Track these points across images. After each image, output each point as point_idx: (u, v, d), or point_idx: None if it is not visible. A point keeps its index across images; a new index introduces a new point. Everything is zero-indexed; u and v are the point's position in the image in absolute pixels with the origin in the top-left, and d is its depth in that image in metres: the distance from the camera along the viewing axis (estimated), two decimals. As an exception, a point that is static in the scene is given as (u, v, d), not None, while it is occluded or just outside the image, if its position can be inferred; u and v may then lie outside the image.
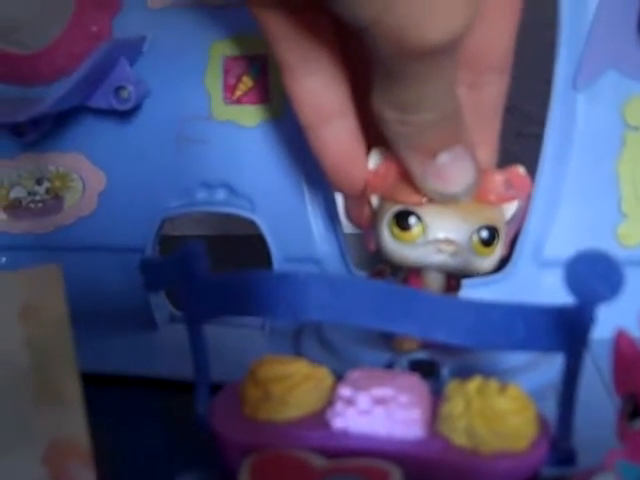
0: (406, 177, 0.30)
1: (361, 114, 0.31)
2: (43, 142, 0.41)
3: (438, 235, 0.30)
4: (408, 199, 0.30)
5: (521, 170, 0.31)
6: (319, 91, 0.31)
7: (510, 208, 0.31)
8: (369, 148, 0.32)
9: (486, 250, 0.30)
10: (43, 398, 0.22)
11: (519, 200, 0.31)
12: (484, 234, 0.30)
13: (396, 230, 0.30)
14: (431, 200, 0.30)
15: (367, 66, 0.28)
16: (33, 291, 0.22)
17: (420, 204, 0.30)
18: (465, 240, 0.30)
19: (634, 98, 0.36)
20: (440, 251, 0.30)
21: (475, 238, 0.30)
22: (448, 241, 0.30)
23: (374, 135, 0.31)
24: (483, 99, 0.31)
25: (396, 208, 0.30)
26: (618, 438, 0.21)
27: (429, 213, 0.30)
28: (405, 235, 0.30)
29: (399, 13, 0.24)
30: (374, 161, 0.31)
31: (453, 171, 0.29)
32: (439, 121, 0.28)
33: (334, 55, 0.30)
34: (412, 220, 0.30)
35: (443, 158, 0.29)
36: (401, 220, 0.30)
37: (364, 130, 0.32)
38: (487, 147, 0.32)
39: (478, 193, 0.30)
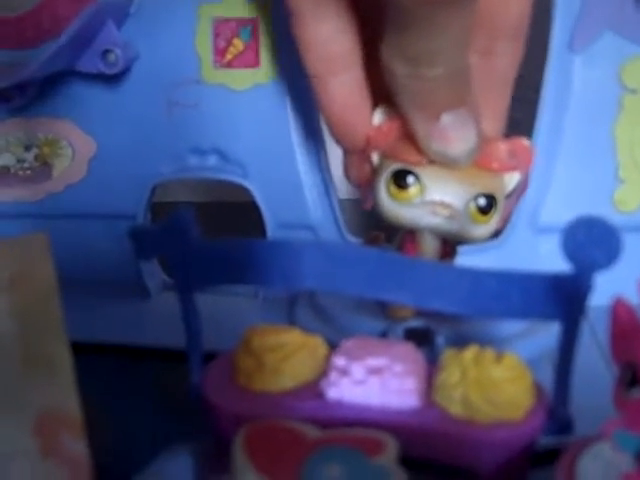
0: (409, 136, 0.30)
1: (369, 70, 0.31)
2: (31, 108, 0.40)
3: (435, 197, 0.29)
4: (409, 158, 0.30)
5: (526, 141, 0.30)
6: (328, 39, 0.30)
7: (512, 180, 0.31)
8: (375, 105, 0.31)
9: (482, 218, 0.30)
10: (32, 368, 0.22)
11: (520, 171, 0.31)
12: (482, 202, 0.30)
13: (393, 188, 0.30)
14: (432, 162, 0.29)
15: (379, 18, 0.27)
16: (21, 260, 0.22)
17: (420, 164, 0.29)
18: (462, 205, 0.29)
19: (632, 60, 0.36)
20: (435, 213, 0.29)
21: (472, 205, 0.29)
22: (444, 204, 0.29)
23: (380, 92, 0.30)
24: (495, 67, 0.30)
25: (395, 166, 0.30)
26: (615, 407, 0.21)
27: (428, 174, 0.29)
28: (402, 194, 0.30)
29: None
30: (378, 118, 0.31)
31: (456, 133, 0.29)
32: (448, 78, 0.27)
33: (345, 4, 0.29)
34: (410, 179, 0.30)
35: (447, 119, 0.28)
36: (399, 178, 0.30)
37: (373, 86, 0.31)
38: (495, 116, 0.31)
39: (481, 159, 0.30)
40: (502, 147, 0.30)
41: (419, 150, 0.30)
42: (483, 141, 0.29)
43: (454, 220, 0.30)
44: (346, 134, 0.32)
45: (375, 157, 0.31)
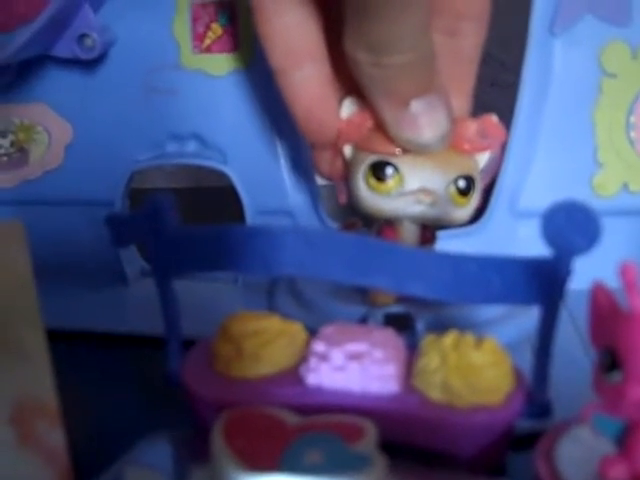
0: (382, 126, 0.30)
1: (336, 62, 0.31)
2: (6, 93, 0.40)
3: (415, 185, 0.29)
4: (385, 149, 0.29)
5: (494, 119, 0.30)
6: (290, 32, 0.30)
7: (482, 158, 0.31)
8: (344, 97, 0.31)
9: (463, 200, 0.30)
10: (7, 357, 0.22)
11: (492, 149, 0.31)
12: (461, 184, 0.29)
13: (372, 181, 0.30)
14: (407, 150, 0.29)
15: (341, 9, 0.27)
16: (-5, 248, 0.21)
17: (397, 153, 0.29)
18: (442, 190, 0.29)
19: (611, 44, 0.36)
20: (419, 202, 0.29)
21: (452, 188, 0.29)
22: (426, 191, 0.29)
23: (349, 85, 0.30)
24: (460, 47, 0.30)
25: (372, 158, 0.30)
26: (594, 391, 0.21)
27: (406, 163, 0.29)
28: (381, 186, 0.29)
29: None
30: (347, 110, 0.31)
31: (426, 120, 0.29)
32: (412, 64, 0.27)
33: None
34: (389, 171, 0.29)
35: (416, 106, 0.28)
36: (377, 171, 0.29)
37: (339, 79, 0.31)
38: (462, 96, 0.31)
39: (452, 141, 0.30)
40: (472, 126, 0.30)
41: (390, 141, 0.29)
42: (453, 123, 0.29)
43: (436, 206, 0.30)
44: (314, 129, 0.31)
45: (348, 150, 0.31)
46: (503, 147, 0.32)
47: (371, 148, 0.30)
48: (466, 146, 0.30)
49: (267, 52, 0.30)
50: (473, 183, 0.30)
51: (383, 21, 0.26)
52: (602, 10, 0.36)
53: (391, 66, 0.27)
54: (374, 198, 0.30)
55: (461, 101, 0.31)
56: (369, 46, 0.27)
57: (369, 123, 0.30)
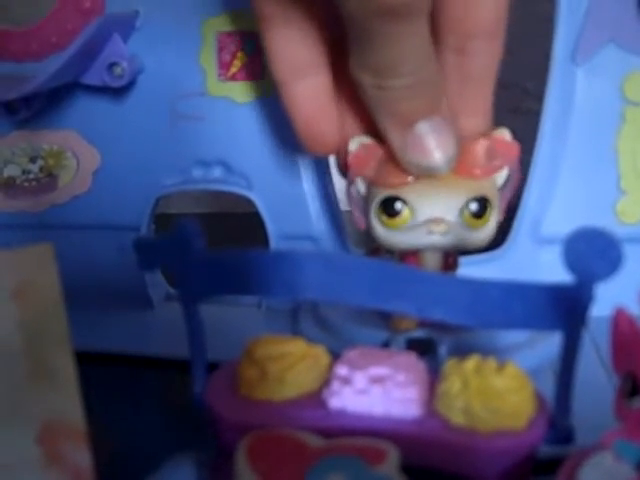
0: (387, 160, 0.30)
1: (338, 75, 0.31)
2: (36, 120, 0.41)
3: (426, 215, 0.29)
4: (392, 180, 0.30)
5: (505, 135, 0.30)
6: (294, 45, 0.30)
7: (500, 175, 0.31)
8: (346, 114, 0.32)
9: (479, 222, 0.30)
10: (36, 378, 0.22)
11: (506, 167, 0.31)
12: (473, 207, 0.29)
13: (384, 218, 0.30)
14: (417, 178, 0.29)
15: (344, 28, 0.27)
16: (25, 270, 0.22)
17: (403, 184, 0.29)
18: (455, 216, 0.29)
19: (634, 73, 0.36)
20: (431, 232, 0.29)
21: (466, 212, 0.29)
22: (437, 220, 0.29)
23: (351, 98, 0.31)
24: (471, 66, 0.30)
25: (381, 195, 0.30)
26: (616, 417, 0.21)
27: (414, 195, 0.29)
28: (394, 221, 0.30)
29: None
30: (355, 144, 0.31)
31: (432, 142, 0.29)
32: (415, 87, 0.27)
33: (311, 11, 0.29)
34: (398, 205, 0.30)
35: (422, 128, 0.28)
36: (387, 207, 0.30)
37: (341, 92, 0.31)
38: (475, 116, 0.31)
39: (462, 169, 0.30)
40: (480, 152, 0.30)
41: (401, 171, 0.30)
42: (461, 149, 0.29)
43: (450, 233, 0.30)
44: (314, 140, 0.32)
45: (362, 186, 0.31)
46: (521, 161, 0.32)
47: (379, 182, 0.30)
48: (477, 171, 0.30)
49: (271, 65, 0.31)
50: (488, 203, 0.30)
51: (384, 45, 0.26)
52: (624, 39, 0.36)
53: (394, 88, 0.27)
54: (388, 233, 0.30)
55: (475, 121, 0.31)
56: (372, 69, 0.27)
57: (375, 157, 0.30)
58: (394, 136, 0.29)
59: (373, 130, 0.30)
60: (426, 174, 0.29)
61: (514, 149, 0.31)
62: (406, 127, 0.28)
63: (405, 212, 0.30)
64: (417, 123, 0.28)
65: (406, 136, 0.29)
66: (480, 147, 0.30)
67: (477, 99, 0.31)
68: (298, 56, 0.30)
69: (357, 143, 0.31)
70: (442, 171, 0.29)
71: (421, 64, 0.27)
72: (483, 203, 0.30)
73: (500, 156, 0.30)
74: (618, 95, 0.36)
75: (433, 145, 0.29)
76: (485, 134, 0.30)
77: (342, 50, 0.29)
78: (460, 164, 0.29)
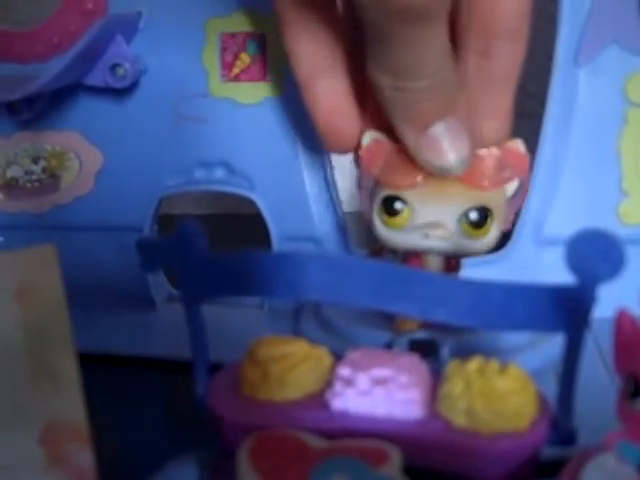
0: (395, 160, 0.30)
1: (359, 76, 0.31)
2: (39, 121, 0.41)
3: (425, 219, 0.29)
4: (397, 182, 0.30)
5: (519, 146, 0.30)
6: (316, 47, 0.31)
7: (510, 187, 0.31)
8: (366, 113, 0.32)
9: (478, 232, 0.30)
10: (39, 379, 0.22)
11: (514, 179, 0.31)
12: (473, 216, 0.29)
13: (384, 216, 0.30)
14: (425, 182, 0.29)
15: (363, 31, 0.28)
16: (28, 271, 0.22)
17: (409, 187, 0.30)
18: (453, 223, 0.29)
19: (637, 74, 0.36)
20: (427, 236, 0.30)
21: (464, 221, 0.29)
22: (435, 224, 0.29)
23: (370, 99, 0.31)
24: (493, 68, 0.30)
25: (384, 193, 0.30)
26: (618, 418, 0.21)
27: (415, 196, 0.30)
28: (393, 221, 0.30)
29: None
30: (366, 140, 0.31)
31: (446, 143, 0.29)
32: (432, 89, 0.28)
33: (331, 14, 0.30)
34: (398, 205, 0.30)
35: (437, 129, 0.29)
36: (388, 205, 0.30)
37: (361, 93, 0.32)
38: (496, 120, 0.31)
39: (471, 179, 0.30)
40: (490, 164, 0.30)
41: (407, 173, 0.30)
42: (472, 158, 0.29)
43: (447, 240, 0.30)
44: (333, 138, 0.32)
45: (370, 182, 0.31)
46: (530, 170, 0.32)
47: (384, 181, 0.30)
48: (485, 183, 0.30)
49: (293, 66, 0.32)
50: (489, 213, 0.30)
51: (403, 47, 0.26)
52: (627, 40, 0.36)
53: (412, 90, 0.28)
54: (388, 232, 0.30)
55: (494, 124, 0.31)
56: (390, 71, 0.27)
57: (384, 154, 0.31)
58: (410, 137, 0.29)
59: (390, 129, 0.31)
60: (441, 174, 0.29)
61: (525, 160, 0.31)
62: (422, 128, 0.29)
63: (405, 212, 0.30)
64: (433, 124, 0.29)
65: (421, 137, 0.29)
66: (490, 158, 0.30)
67: (498, 102, 0.31)
68: (319, 57, 0.31)
69: (369, 138, 0.31)
70: (456, 172, 0.29)
71: (440, 66, 0.27)
72: (484, 213, 0.30)
73: (510, 167, 0.30)
74: (620, 96, 0.36)
75: (447, 146, 0.29)
76: (498, 144, 0.30)
77: (361, 51, 0.29)
78: (469, 174, 0.29)
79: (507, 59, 0.30)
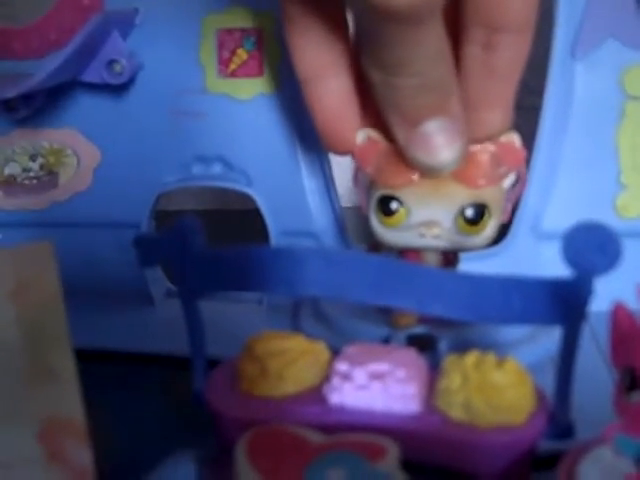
0: (390, 159, 0.30)
1: (360, 77, 0.31)
2: (36, 118, 0.41)
3: (420, 218, 0.30)
4: (391, 180, 0.30)
5: (514, 140, 0.30)
6: (318, 45, 0.31)
7: (506, 180, 0.31)
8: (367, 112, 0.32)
9: (474, 228, 0.30)
10: (36, 376, 0.22)
11: (511, 173, 0.30)
12: (469, 213, 0.29)
13: (380, 216, 0.30)
14: (419, 180, 0.29)
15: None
16: (25, 268, 0.22)
17: (403, 185, 0.30)
18: (449, 221, 0.29)
19: (634, 67, 0.36)
20: (422, 235, 0.30)
21: (460, 218, 0.29)
22: (430, 224, 0.29)
23: (371, 99, 0.31)
24: (496, 61, 0.29)
25: (379, 193, 0.30)
26: (616, 411, 0.21)
27: (411, 196, 0.30)
28: (389, 220, 0.30)
29: None
30: (361, 137, 0.31)
31: (437, 142, 0.29)
32: (422, 87, 0.28)
33: (334, 13, 0.30)
34: (394, 205, 0.30)
35: (428, 127, 0.29)
36: (384, 205, 0.30)
37: (362, 93, 0.32)
38: (496, 112, 0.30)
39: (467, 178, 0.29)
40: (484, 162, 0.30)
41: (401, 171, 0.30)
42: (466, 157, 0.29)
43: (443, 238, 0.30)
44: (333, 137, 0.32)
45: (367, 180, 0.31)
46: (526, 163, 0.31)
47: (379, 180, 0.30)
48: (480, 182, 0.30)
49: (296, 63, 0.31)
50: (485, 210, 0.30)
51: (389, 48, 0.26)
52: (624, 34, 0.36)
53: (400, 87, 0.28)
54: (384, 231, 0.30)
55: (494, 116, 0.30)
56: (379, 66, 0.27)
57: (379, 153, 0.31)
58: (400, 133, 0.29)
59: (387, 128, 0.31)
60: (430, 173, 0.29)
61: (521, 154, 0.30)
62: (412, 125, 0.29)
63: (400, 212, 0.30)
64: (424, 122, 0.29)
65: (411, 133, 0.29)
66: (485, 155, 0.30)
67: (500, 94, 0.30)
68: (320, 57, 0.31)
69: (364, 135, 0.31)
70: (446, 170, 0.29)
71: (430, 65, 0.27)
72: (480, 210, 0.30)
73: (505, 163, 0.30)
74: (618, 89, 0.36)
75: (438, 144, 0.29)
76: (493, 139, 0.30)
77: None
78: (464, 172, 0.29)
79: (512, 52, 0.30)
